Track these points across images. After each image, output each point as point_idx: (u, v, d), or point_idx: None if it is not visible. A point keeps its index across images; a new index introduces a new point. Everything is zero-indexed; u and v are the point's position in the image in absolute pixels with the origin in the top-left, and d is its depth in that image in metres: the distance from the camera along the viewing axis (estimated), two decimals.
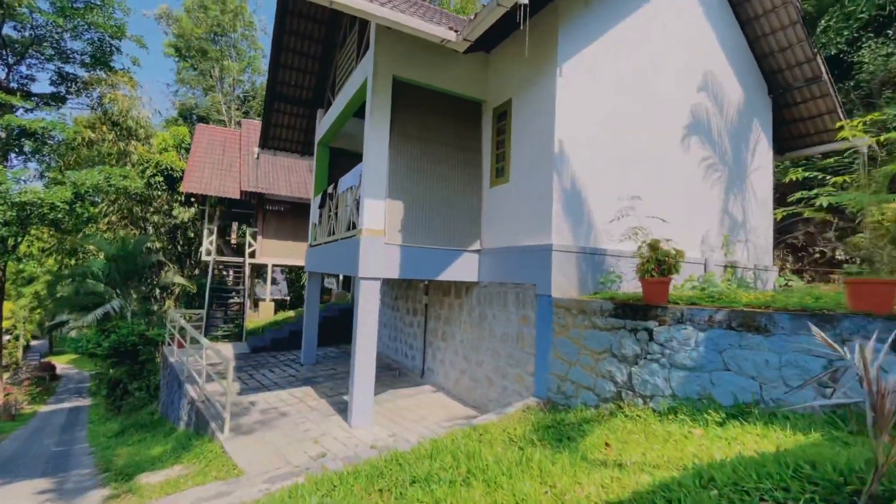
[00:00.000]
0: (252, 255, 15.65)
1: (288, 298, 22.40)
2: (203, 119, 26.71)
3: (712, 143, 6.95)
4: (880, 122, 6.24)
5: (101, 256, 18.72)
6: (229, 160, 16.67)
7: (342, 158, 9.70)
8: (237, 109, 28.82)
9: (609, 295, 4.88)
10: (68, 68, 19.72)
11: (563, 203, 5.31)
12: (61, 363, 31.57)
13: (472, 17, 4.83)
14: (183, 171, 18.61)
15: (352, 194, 6.81)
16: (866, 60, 9.63)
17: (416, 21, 4.77)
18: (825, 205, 4.09)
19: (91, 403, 18.71)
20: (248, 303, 14.98)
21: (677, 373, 3.81)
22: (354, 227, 6.45)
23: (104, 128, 20.49)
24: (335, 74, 8.84)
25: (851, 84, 10.16)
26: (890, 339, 1.99)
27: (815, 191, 4.37)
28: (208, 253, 15.44)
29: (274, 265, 16.23)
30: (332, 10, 8.30)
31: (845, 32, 10.08)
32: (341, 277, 17.40)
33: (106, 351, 12.61)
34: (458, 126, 6.69)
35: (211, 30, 27.07)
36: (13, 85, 18.55)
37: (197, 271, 22.18)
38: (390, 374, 8.43)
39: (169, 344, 10.52)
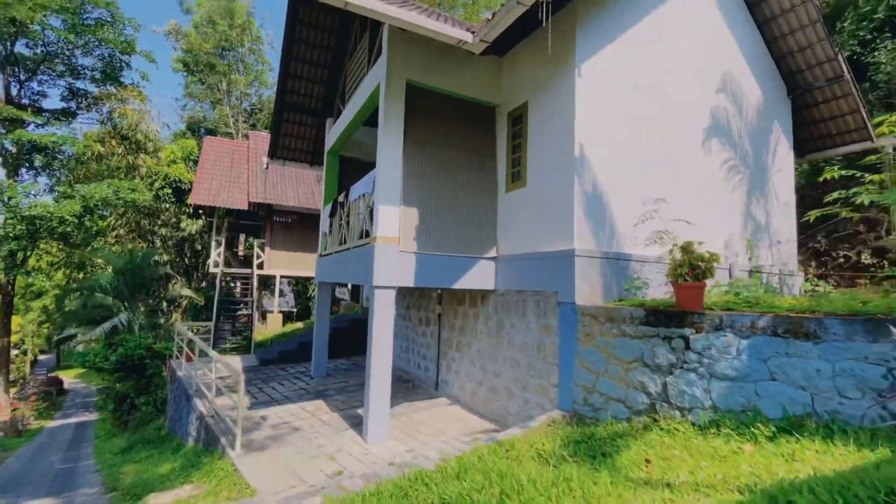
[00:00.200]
0: (260, 266, 15.54)
1: (295, 310, 22.26)
2: (211, 132, 26.93)
3: (733, 145, 6.77)
4: None
5: (109, 269, 18.73)
6: (237, 172, 16.68)
7: (352, 167, 9.60)
8: (244, 122, 29.04)
9: (637, 301, 4.66)
10: (79, 84, 20.00)
11: (584, 207, 5.13)
12: (69, 377, 31.48)
13: (489, 17, 4.71)
14: (191, 184, 18.66)
15: (364, 202, 6.67)
16: (883, 61, 9.46)
17: (432, 22, 4.67)
18: (867, 203, 3.87)
19: (98, 418, 18.53)
20: (256, 315, 14.83)
21: (718, 383, 3.58)
22: (368, 234, 6.30)
23: (114, 142, 20.65)
24: (345, 83, 8.78)
25: (867, 85, 9.99)
26: None
27: (852, 190, 4.17)
28: (216, 265, 15.36)
29: (282, 276, 16.10)
30: (341, 19, 8.30)
31: (860, 33, 9.94)
32: (349, 286, 17.23)
33: (113, 365, 12.47)
34: (472, 131, 6.56)
35: (219, 44, 27.42)
36: (25, 101, 18.79)
37: (204, 283, 22.13)
38: (403, 386, 8.20)
39: (177, 357, 10.36)
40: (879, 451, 2.57)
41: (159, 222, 21.32)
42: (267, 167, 15.74)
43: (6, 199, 15.45)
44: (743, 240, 6.72)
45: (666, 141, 5.94)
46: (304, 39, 8.40)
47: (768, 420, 3.25)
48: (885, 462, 2.30)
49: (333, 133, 8.94)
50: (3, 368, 18.74)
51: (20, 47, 18.04)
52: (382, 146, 5.76)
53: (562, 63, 5.39)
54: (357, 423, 6.09)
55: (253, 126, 28.65)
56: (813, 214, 4.87)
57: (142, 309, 16.07)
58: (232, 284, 17.59)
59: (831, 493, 1.84)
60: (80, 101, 20.37)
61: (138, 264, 15.77)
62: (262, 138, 18.13)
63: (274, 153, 10.23)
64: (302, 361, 10.68)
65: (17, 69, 18.33)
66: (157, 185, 19.68)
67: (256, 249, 15.66)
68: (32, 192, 17.07)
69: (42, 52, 18.42)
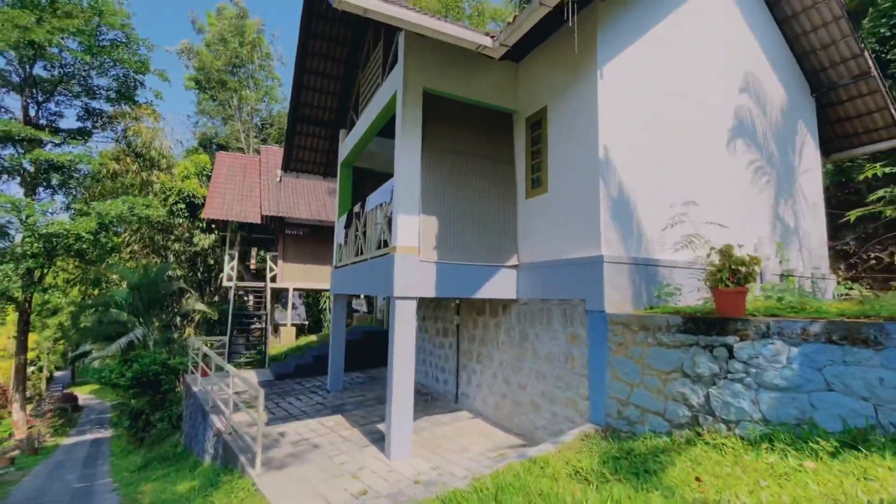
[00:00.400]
0: (273, 279, 15.51)
1: (306, 323, 22.19)
2: (223, 147, 27.25)
3: (758, 146, 6.58)
4: None
5: (124, 285, 18.86)
6: (249, 186, 16.77)
7: (366, 178, 9.55)
8: (255, 137, 29.38)
9: (672, 308, 4.47)
10: (94, 104, 20.38)
11: (610, 212, 4.97)
12: (83, 393, 31.65)
13: (510, 20, 4.63)
14: (204, 198, 18.80)
15: (381, 211, 6.58)
16: None
17: (451, 27, 4.59)
18: None
19: (112, 435, 18.50)
20: (269, 328, 14.76)
21: (767, 394, 3.37)
22: (386, 244, 6.19)
23: (128, 159, 20.96)
24: (358, 94, 8.77)
25: (890, 83, 9.75)
26: None
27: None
28: (230, 278, 15.36)
29: (294, 289, 16.05)
30: (353, 31, 8.31)
31: (881, 30, 9.73)
32: (363, 297, 17.14)
33: (129, 381, 12.43)
34: (488, 138, 6.46)
35: (230, 61, 27.89)
36: (42, 121, 19.17)
37: (216, 298, 22.18)
38: (421, 399, 8.01)
39: (192, 372, 10.28)
40: None
41: (173, 237, 21.49)
42: (280, 180, 15.81)
43: (24, 217, 15.68)
44: (772, 243, 6.49)
45: (690, 143, 5.79)
46: (317, 52, 8.42)
47: (827, 434, 3.03)
48: None
49: (347, 144, 8.91)
50: (21, 386, 18.84)
51: (38, 69, 18.49)
52: (400, 155, 5.67)
53: (583, 65, 5.28)
54: (378, 439, 5.91)
55: (264, 141, 28.98)
56: (853, 214, 4.65)
57: (156, 324, 16.10)
58: (245, 298, 17.57)
59: None
60: (95, 120, 20.75)
61: (153, 279, 15.83)
62: (274, 152, 18.27)
63: (288, 166, 10.23)
64: (317, 375, 10.54)
65: (35, 91, 18.74)
66: (171, 200, 19.88)
67: (269, 262, 15.65)
68: (49, 211, 17.34)
69: (59, 73, 18.84)
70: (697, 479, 3.01)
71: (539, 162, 6.06)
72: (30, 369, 27.54)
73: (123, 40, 18.87)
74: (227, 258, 15.64)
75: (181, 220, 20.42)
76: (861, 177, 4.78)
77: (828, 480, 2.53)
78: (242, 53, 28.01)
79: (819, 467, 2.75)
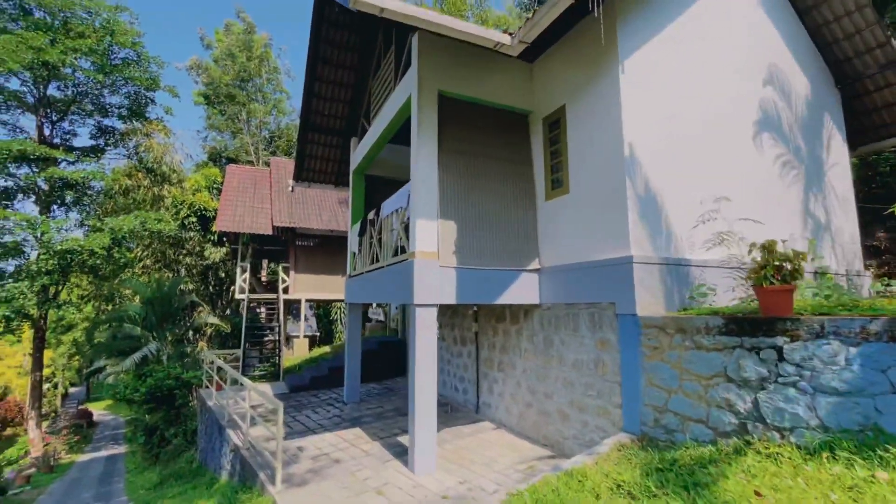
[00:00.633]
0: (286, 290, 15.44)
1: (317, 335, 22.06)
2: (232, 160, 27.48)
3: (785, 140, 6.36)
4: None
5: (137, 300, 18.91)
6: (260, 198, 16.80)
7: (378, 186, 9.46)
8: (264, 150, 29.62)
9: (710, 310, 4.25)
10: (107, 121, 20.69)
11: (638, 210, 4.78)
12: (97, 409, 31.73)
13: (529, 16, 4.50)
14: (216, 211, 18.88)
15: (398, 217, 6.45)
16: None
17: (470, 25, 4.48)
18: None
19: (127, 451, 18.43)
20: (283, 340, 14.65)
21: (825, 398, 3.13)
22: (404, 251, 6.04)
23: (140, 175, 21.17)
24: (369, 101, 8.70)
25: None
26: None
27: None
28: (242, 291, 15.31)
29: (307, 300, 15.96)
30: (363, 38, 8.27)
31: None
32: (374, 305, 16.99)
33: (143, 396, 12.35)
34: (503, 140, 6.31)
35: (238, 76, 28.23)
36: (56, 140, 19.46)
37: (228, 311, 22.18)
38: (441, 409, 7.78)
39: (206, 386, 10.16)
40: None
41: (184, 251, 21.59)
42: (293, 190, 15.82)
43: (40, 234, 15.83)
44: (804, 239, 6.23)
45: (716, 137, 5.59)
46: (327, 60, 8.37)
47: None
48: None
49: (359, 152, 8.83)
50: (37, 403, 18.91)
51: (52, 90, 18.81)
52: (417, 158, 5.54)
53: (603, 61, 5.13)
54: (400, 453, 5.71)
55: (273, 153, 29.21)
56: None
57: (169, 338, 16.07)
58: (258, 310, 17.52)
59: None
60: (108, 137, 21.04)
61: (166, 293, 15.83)
62: (283, 164, 18.32)
63: (299, 175, 10.17)
64: (333, 387, 10.37)
65: (49, 110, 19.06)
66: (182, 213, 20.00)
67: (282, 274, 15.59)
68: (64, 228, 17.50)
69: (73, 92, 19.16)
70: (757, 493, 2.78)
71: (558, 162, 5.89)
72: (45, 386, 27.69)
73: (134, 58, 19.16)
74: (238, 270, 15.61)
75: (193, 234, 20.51)
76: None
77: None
78: (250, 68, 28.37)
79: (894, 478, 2.51)
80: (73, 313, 20.12)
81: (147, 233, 17.72)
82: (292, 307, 18.73)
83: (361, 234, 8.34)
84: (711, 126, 5.57)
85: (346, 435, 6.69)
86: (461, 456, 5.60)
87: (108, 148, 21.07)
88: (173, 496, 8.08)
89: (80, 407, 29.71)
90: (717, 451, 3.55)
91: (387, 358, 11.31)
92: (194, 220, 20.26)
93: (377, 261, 7.24)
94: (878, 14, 6.54)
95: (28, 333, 22.87)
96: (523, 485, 3.71)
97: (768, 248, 3.59)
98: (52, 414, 29.51)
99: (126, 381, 14.34)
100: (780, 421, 3.33)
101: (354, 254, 8.84)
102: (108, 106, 20.19)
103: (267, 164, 26.33)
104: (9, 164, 16.83)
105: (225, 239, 19.19)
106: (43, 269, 15.81)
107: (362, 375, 9.65)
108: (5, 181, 17.87)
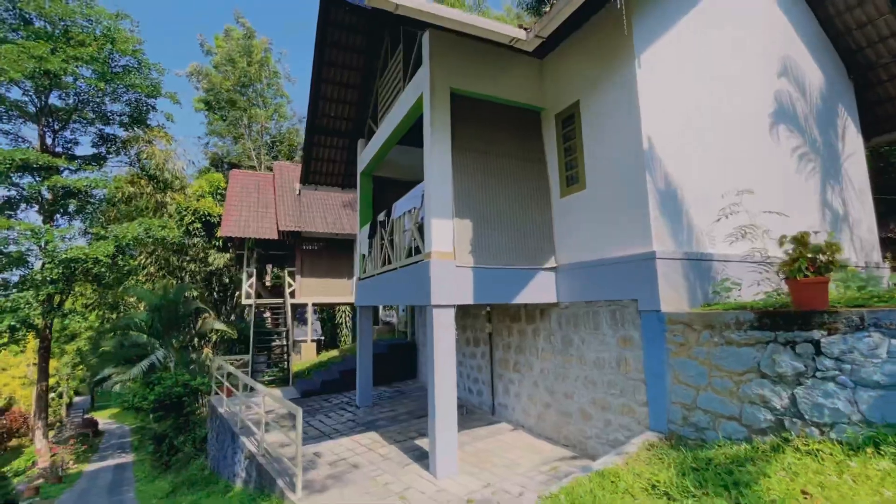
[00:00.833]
0: (292, 294, 15.37)
1: (322, 339, 21.98)
2: (234, 166, 27.44)
3: (801, 132, 6.29)
4: None
5: (142, 307, 18.83)
6: (264, 202, 16.74)
7: (386, 187, 9.40)
8: (266, 154, 29.58)
9: (738, 304, 4.17)
10: (108, 129, 20.66)
11: (659, 205, 4.71)
12: (102, 418, 31.61)
13: (546, 9, 4.44)
14: (220, 217, 18.81)
15: (411, 218, 6.37)
16: None
17: (485, 20, 4.42)
18: None
19: (135, 459, 18.32)
20: (291, 345, 14.57)
21: (867, 392, 3.05)
22: (418, 251, 5.97)
23: (142, 182, 21.12)
24: (376, 102, 8.64)
25: None
26: None
27: None
28: (248, 296, 15.24)
29: (314, 304, 15.88)
30: (369, 39, 8.19)
31: None
32: (382, 308, 16.91)
33: (152, 404, 12.26)
34: (516, 137, 6.24)
35: (238, 81, 28.21)
36: (58, 149, 19.43)
37: (233, 316, 22.10)
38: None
39: (217, 393, 10.08)
40: None
41: (188, 258, 21.52)
42: (299, 193, 15.77)
43: (44, 243, 15.77)
44: (823, 231, 6.14)
45: (734, 130, 5.53)
46: (333, 61, 8.30)
47: None
48: None
49: (367, 154, 8.77)
50: (42, 413, 18.83)
51: (53, 99, 18.78)
52: (430, 157, 5.47)
53: (618, 55, 5.06)
54: (420, 457, 5.63)
55: (275, 157, 29.16)
56: None
57: (175, 345, 15.99)
58: (264, 315, 17.44)
59: None
60: (109, 145, 21.00)
61: (172, 300, 15.75)
62: (287, 168, 18.27)
63: (306, 178, 10.11)
64: (344, 391, 10.29)
65: (51, 119, 19.04)
66: (186, 219, 19.94)
67: (287, 278, 15.51)
68: (68, 236, 17.45)
69: (74, 101, 19.13)
70: (804, 492, 2.70)
71: (574, 158, 5.82)
72: (50, 396, 27.61)
73: (135, 66, 19.14)
74: (244, 276, 15.54)
75: (197, 240, 20.46)
76: None
77: None
78: (251, 73, 28.34)
79: None
80: (78, 322, 20.06)
81: (151, 240, 17.65)
82: (298, 311, 18.66)
83: (371, 235, 8.26)
84: (729, 118, 5.50)
85: (362, 439, 6.61)
86: (481, 458, 5.52)
87: (110, 156, 21.05)
88: None
89: (85, 416, 29.62)
90: (753, 449, 3.46)
91: (396, 361, 11.23)
92: (199, 226, 20.20)
93: (389, 262, 7.16)
94: (891, 3, 6.45)
95: (32, 343, 22.82)
96: (554, 486, 3.63)
97: (801, 240, 3.51)
98: (58, 424, 29.39)
99: (134, 389, 14.25)
100: (820, 416, 3.24)
101: (364, 256, 8.77)
102: (109, 114, 20.18)
103: (269, 168, 26.29)
104: (12, 174, 16.78)
105: (229, 244, 19.12)
106: (48, 279, 15.75)
107: (374, 379, 9.57)
108: (8, 191, 17.85)
